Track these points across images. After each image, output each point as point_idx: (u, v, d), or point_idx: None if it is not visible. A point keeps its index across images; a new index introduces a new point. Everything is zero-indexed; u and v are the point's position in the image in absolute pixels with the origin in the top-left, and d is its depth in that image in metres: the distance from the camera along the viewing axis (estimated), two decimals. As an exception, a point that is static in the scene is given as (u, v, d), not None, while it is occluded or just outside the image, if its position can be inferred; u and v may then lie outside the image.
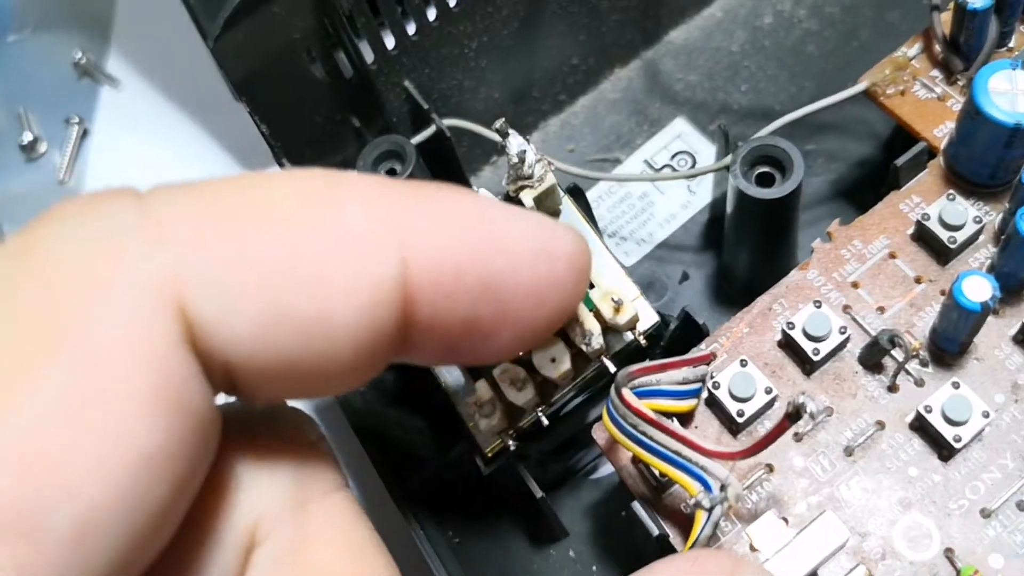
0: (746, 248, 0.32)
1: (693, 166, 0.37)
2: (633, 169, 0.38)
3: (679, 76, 0.40)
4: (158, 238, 0.13)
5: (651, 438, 0.22)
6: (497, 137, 0.33)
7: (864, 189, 0.35)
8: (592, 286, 0.25)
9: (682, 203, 0.36)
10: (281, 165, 0.34)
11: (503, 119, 0.22)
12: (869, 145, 0.36)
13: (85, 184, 0.45)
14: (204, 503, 0.15)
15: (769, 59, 0.39)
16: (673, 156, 0.38)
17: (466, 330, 0.16)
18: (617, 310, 0.22)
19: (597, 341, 0.22)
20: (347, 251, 0.14)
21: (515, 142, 0.22)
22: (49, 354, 0.12)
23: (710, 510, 0.21)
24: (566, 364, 0.22)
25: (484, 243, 0.15)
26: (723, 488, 0.21)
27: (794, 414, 0.20)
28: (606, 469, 0.32)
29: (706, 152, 0.38)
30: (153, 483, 0.13)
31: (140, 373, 0.13)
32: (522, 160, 0.22)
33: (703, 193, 0.36)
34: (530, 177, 0.22)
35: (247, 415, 0.16)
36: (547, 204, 0.24)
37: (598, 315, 0.23)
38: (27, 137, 0.46)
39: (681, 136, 0.38)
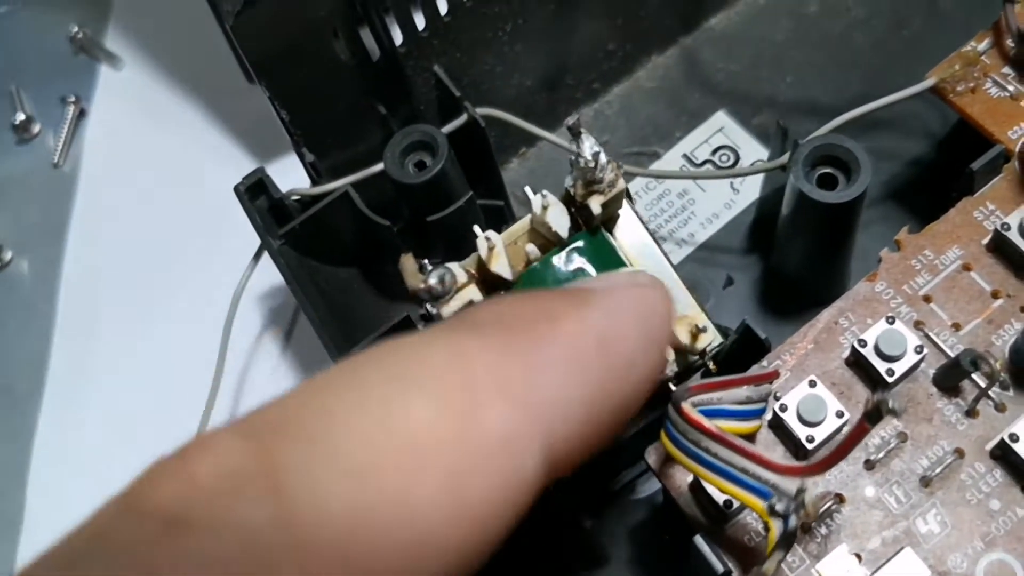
0: (800, 253, 0.30)
1: (735, 162, 0.35)
2: (672, 164, 0.35)
3: (720, 66, 0.37)
4: None
5: (715, 455, 0.20)
6: (533, 128, 0.31)
7: (918, 191, 0.33)
8: None
9: (725, 202, 0.34)
10: (300, 154, 0.31)
11: (576, 116, 0.20)
12: (924, 144, 0.34)
13: (81, 168, 0.42)
14: None
15: (815, 49, 0.37)
16: (715, 151, 0.35)
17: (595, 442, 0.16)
18: (695, 337, 0.20)
19: (671, 369, 0.20)
20: (492, 466, 0.14)
21: (588, 143, 0.20)
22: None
23: (785, 517, 0.19)
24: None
25: (610, 382, 0.16)
26: (798, 494, 0.19)
27: (873, 412, 0.18)
28: (646, 489, 0.29)
29: (749, 147, 0.35)
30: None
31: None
32: (596, 163, 0.20)
33: (747, 191, 0.34)
34: (601, 181, 0.20)
35: None
36: (609, 209, 0.22)
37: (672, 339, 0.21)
38: (19, 117, 0.43)
39: (723, 130, 0.36)
